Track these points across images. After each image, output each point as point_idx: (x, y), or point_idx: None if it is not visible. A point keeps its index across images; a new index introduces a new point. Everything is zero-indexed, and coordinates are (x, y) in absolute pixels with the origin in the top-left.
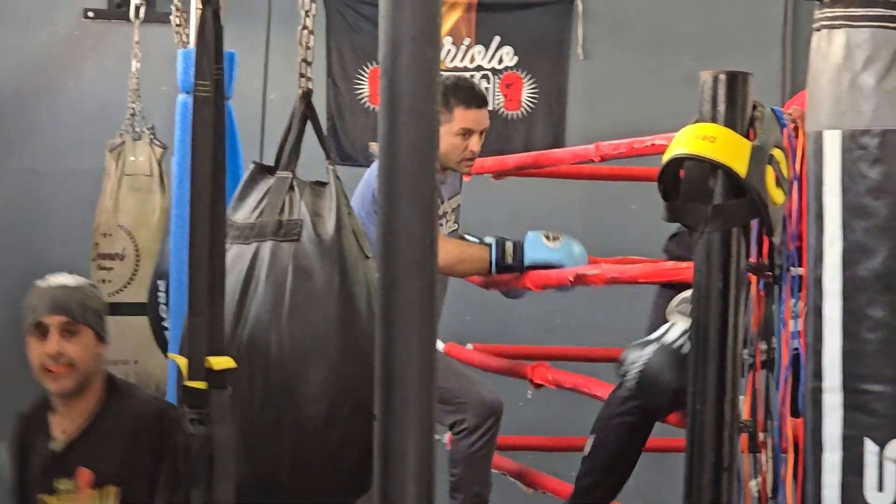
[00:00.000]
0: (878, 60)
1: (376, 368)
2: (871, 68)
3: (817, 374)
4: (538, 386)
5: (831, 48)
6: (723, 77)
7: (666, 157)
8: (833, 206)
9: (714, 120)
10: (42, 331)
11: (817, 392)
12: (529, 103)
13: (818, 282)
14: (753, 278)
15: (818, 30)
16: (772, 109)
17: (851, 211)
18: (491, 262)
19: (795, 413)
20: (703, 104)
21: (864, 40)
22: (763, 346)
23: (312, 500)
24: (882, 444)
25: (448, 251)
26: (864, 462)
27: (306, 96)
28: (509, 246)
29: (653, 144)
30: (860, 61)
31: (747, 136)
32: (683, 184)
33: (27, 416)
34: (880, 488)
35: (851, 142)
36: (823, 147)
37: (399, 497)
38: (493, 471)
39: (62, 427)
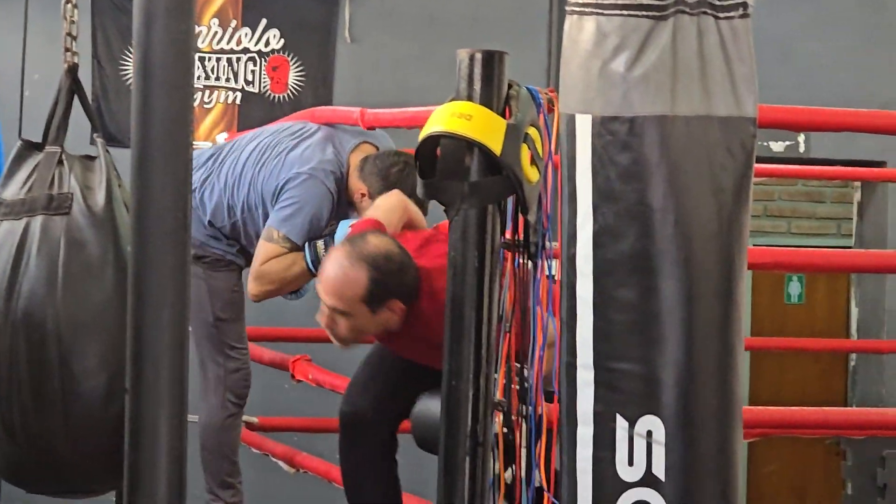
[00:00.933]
0: (627, 48)
1: (128, 342)
2: (621, 56)
3: (571, 351)
4: (299, 381)
5: (581, 34)
6: (479, 56)
7: (422, 135)
8: (585, 189)
9: (470, 98)
10: None
11: (571, 368)
12: (296, 86)
13: (572, 261)
14: (509, 255)
15: (571, 14)
16: (528, 89)
17: (602, 195)
18: (308, 267)
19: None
20: (459, 82)
21: (613, 28)
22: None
23: (92, 475)
24: (632, 421)
25: (271, 282)
26: (615, 437)
27: (72, 70)
28: (321, 244)
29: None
30: (609, 49)
31: (503, 115)
32: (440, 161)
33: None
34: (630, 463)
35: (602, 127)
36: (576, 130)
37: (150, 470)
38: (256, 451)
39: None
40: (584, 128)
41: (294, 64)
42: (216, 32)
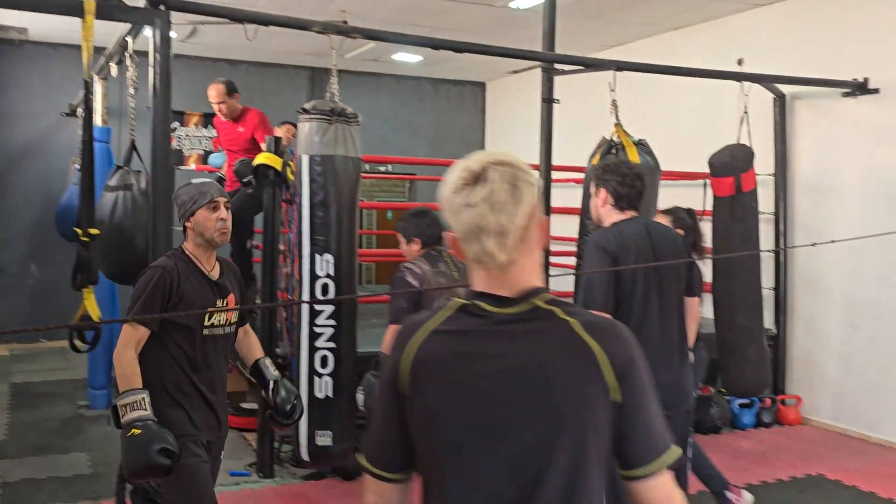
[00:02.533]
0: (320, 130)
1: None
2: (318, 132)
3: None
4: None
5: (304, 127)
6: (272, 137)
7: (255, 163)
8: (306, 190)
9: (271, 152)
10: (215, 206)
11: (298, 283)
12: None
13: (300, 229)
14: (285, 206)
15: (301, 121)
16: (289, 149)
17: (312, 193)
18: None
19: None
20: (268, 145)
21: (315, 123)
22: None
23: None
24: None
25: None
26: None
27: None
28: None
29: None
30: (315, 130)
31: (281, 157)
32: (259, 171)
33: (169, 267)
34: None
35: (311, 159)
36: (302, 163)
37: None
38: None
39: (209, 267)
40: (305, 161)
41: None
42: None
